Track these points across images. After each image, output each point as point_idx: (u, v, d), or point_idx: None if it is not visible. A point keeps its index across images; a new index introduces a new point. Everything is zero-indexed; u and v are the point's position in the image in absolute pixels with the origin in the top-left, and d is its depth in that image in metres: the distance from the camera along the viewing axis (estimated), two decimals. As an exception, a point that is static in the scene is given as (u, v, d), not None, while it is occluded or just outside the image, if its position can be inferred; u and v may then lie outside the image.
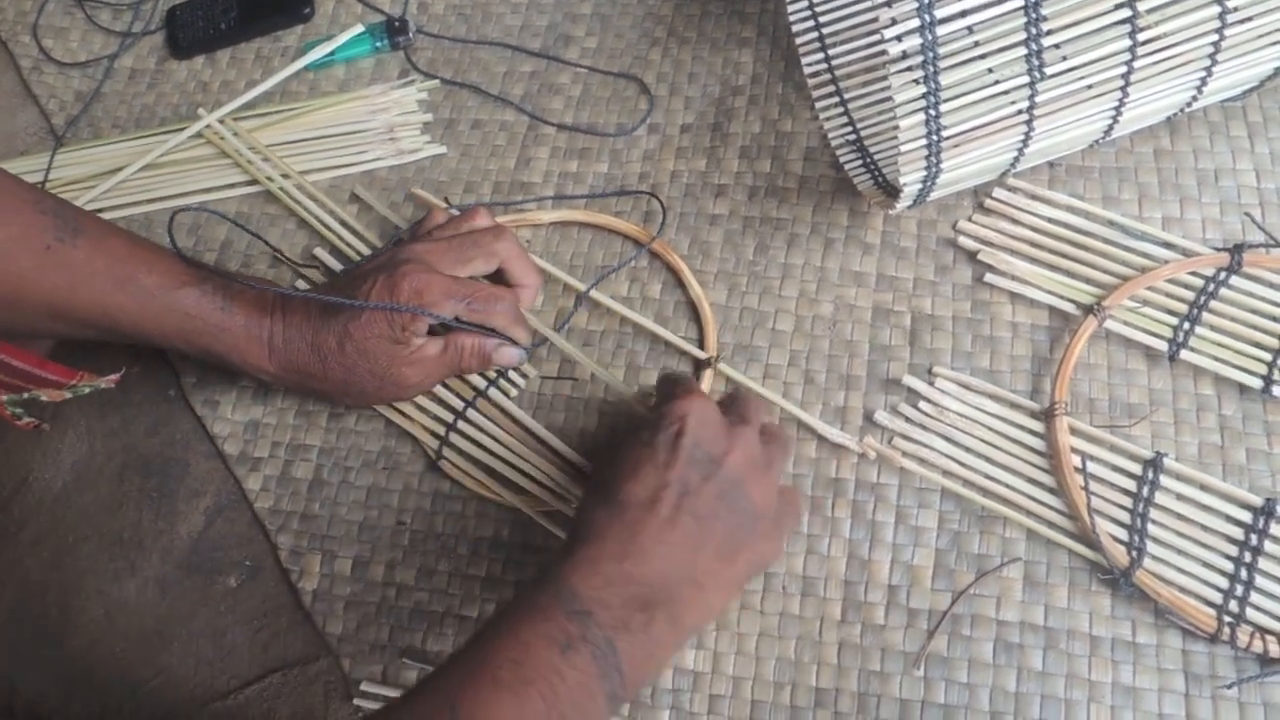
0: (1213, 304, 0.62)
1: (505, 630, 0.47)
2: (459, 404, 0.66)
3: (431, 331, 0.61)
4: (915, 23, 0.50)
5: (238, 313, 0.61)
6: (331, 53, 0.80)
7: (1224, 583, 0.56)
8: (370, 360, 0.60)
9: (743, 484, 0.53)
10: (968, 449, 0.61)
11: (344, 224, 0.73)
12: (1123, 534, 0.57)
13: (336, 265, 0.72)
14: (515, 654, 0.46)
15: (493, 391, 0.66)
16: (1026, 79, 0.54)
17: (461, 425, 0.65)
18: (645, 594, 0.49)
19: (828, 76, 0.67)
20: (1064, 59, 0.54)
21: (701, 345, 0.66)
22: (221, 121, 0.78)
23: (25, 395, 0.63)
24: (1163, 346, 0.61)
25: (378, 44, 0.81)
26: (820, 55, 0.67)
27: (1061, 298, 0.64)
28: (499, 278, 0.65)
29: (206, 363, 0.65)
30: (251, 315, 0.62)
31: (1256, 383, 0.60)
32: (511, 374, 0.66)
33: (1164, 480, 0.58)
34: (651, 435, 0.53)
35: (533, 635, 0.47)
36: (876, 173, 0.68)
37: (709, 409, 0.54)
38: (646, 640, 0.48)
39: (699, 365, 0.65)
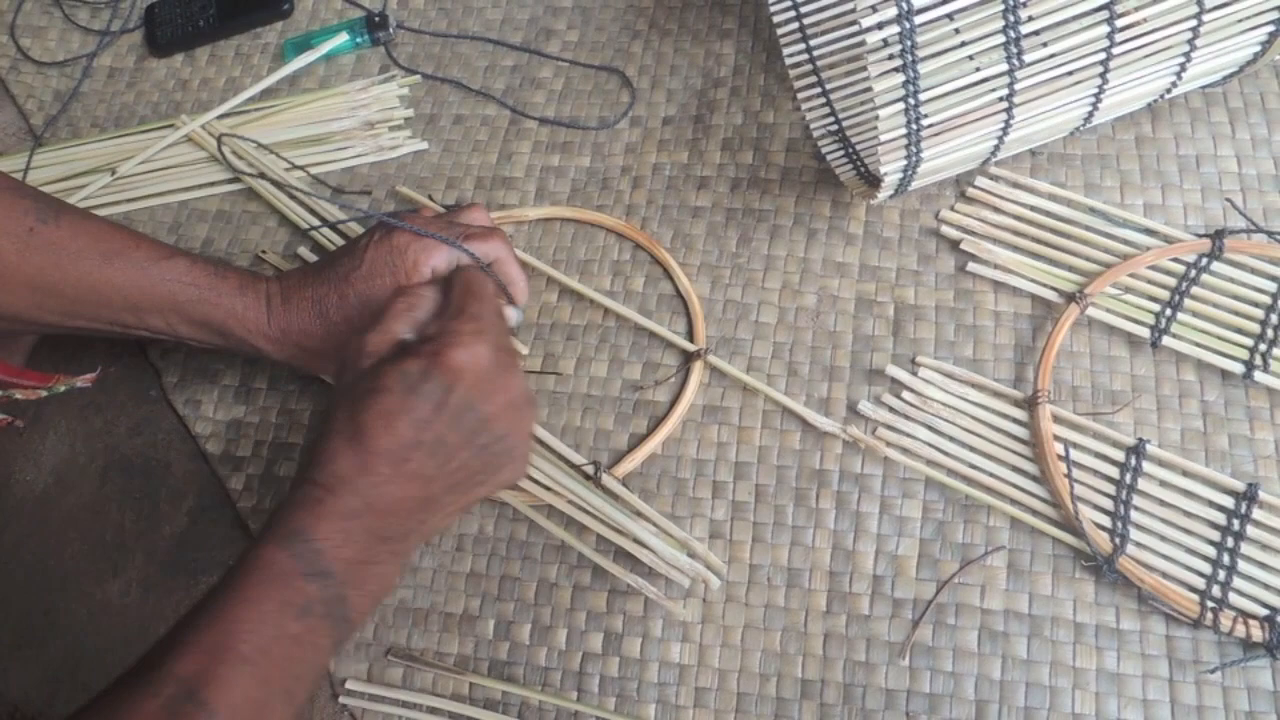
0: (1194, 290, 0.62)
1: (243, 600, 0.45)
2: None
3: None
4: (893, 11, 0.50)
5: (232, 276, 0.61)
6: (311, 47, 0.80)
7: (1207, 568, 0.56)
8: (372, 312, 0.60)
9: (505, 436, 0.52)
10: (951, 438, 0.61)
11: (325, 221, 0.73)
12: (1106, 521, 0.57)
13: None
14: (253, 625, 0.44)
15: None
16: (1005, 67, 0.54)
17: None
18: (382, 537, 0.49)
19: (809, 67, 0.67)
20: (1043, 46, 0.54)
21: (690, 337, 0.66)
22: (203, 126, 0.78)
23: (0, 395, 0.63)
24: (1145, 333, 0.61)
25: (358, 39, 0.81)
26: (801, 46, 0.67)
27: (1044, 286, 0.64)
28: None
29: (197, 347, 0.64)
30: (246, 277, 0.61)
31: (1238, 368, 0.60)
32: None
33: (1146, 467, 0.58)
34: (419, 379, 0.49)
35: (272, 604, 0.45)
36: (858, 163, 0.68)
37: (485, 358, 0.50)
38: (376, 580, 0.49)
39: (689, 357, 0.65)
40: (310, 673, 0.47)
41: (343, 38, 0.80)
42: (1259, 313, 0.61)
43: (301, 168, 0.76)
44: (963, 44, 0.53)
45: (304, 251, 0.72)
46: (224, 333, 0.61)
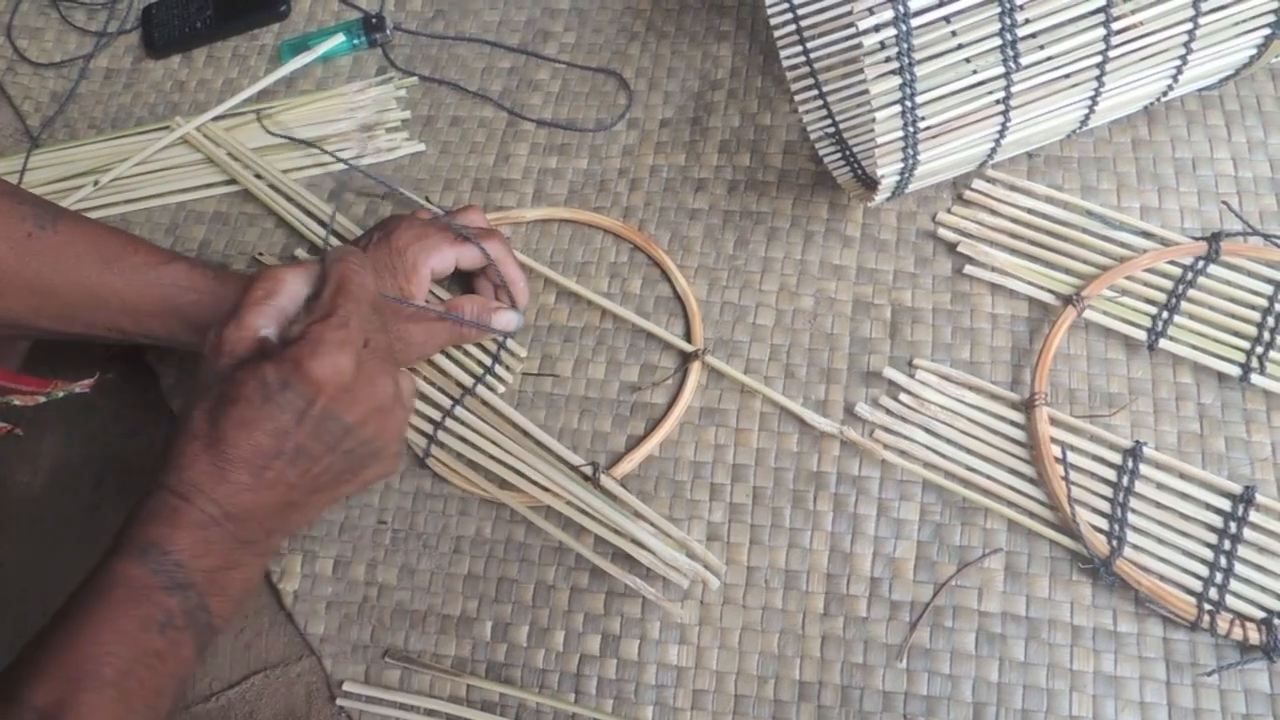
0: (1191, 293, 0.62)
1: (101, 621, 0.44)
2: (447, 402, 0.65)
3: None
4: (890, 14, 0.50)
5: (231, 280, 0.60)
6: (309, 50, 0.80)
7: (1204, 570, 0.56)
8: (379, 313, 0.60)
9: (372, 440, 0.51)
10: (948, 441, 0.61)
11: (322, 223, 0.73)
12: (1103, 523, 0.57)
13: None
14: (114, 647, 0.43)
15: (480, 389, 0.66)
16: (1002, 70, 0.54)
17: (449, 423, 0.65)
18: (243, 541, 0.48)
19: (806, 69, 0.67)
20: (1040, 49, 0.54)
21: (687, 339, 0.66)
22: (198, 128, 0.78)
23: None
24: (1142, 336, 0.61)
25: (355, 41, 0.81)
26: (799, 48, 0.67)
27: (1041, 288, 0.64)
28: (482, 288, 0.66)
29: (195, 351, 0.64)
30: (247, 280, 0.61)
31: (1235, 371, 0.60)
32: (499, 370, 0.66)
33: (1144, 469, 0.58)
34: (278, 389, 0.47)
35: (132, 622, 0.44)
36: (855, 165, 0.68)
37: (348, 368, 0.48)
38: (239, 583, 0.48)
39: (686, 358, 0.65)
40: (174, 685, 0.46)
41: (339, 39, 0.80)
42: (1255, 315, 0.61)
43: (345, 160, 0.75)
44: (960, 47, 0.53)
45: (301, 254, 0.72)
46: None
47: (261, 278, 0.51)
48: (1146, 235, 0.64)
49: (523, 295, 0.65)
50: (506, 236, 0.71)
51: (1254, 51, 0.60)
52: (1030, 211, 0.66)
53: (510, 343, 0.67)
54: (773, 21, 0.66)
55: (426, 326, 0.61)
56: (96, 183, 0.76)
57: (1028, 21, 0.52)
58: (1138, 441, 0.59)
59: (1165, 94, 0.62)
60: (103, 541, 0.65)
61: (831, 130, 0.68)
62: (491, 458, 0.63)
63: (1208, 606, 0.55)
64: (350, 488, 0.53)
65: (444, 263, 0.61)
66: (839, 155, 0.68)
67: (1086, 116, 0.60)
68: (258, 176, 0.75)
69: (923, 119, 0.54)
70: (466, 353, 0.67)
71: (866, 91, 0.53)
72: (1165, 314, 0.62)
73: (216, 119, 0.78)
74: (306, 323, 0.49)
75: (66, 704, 0.41)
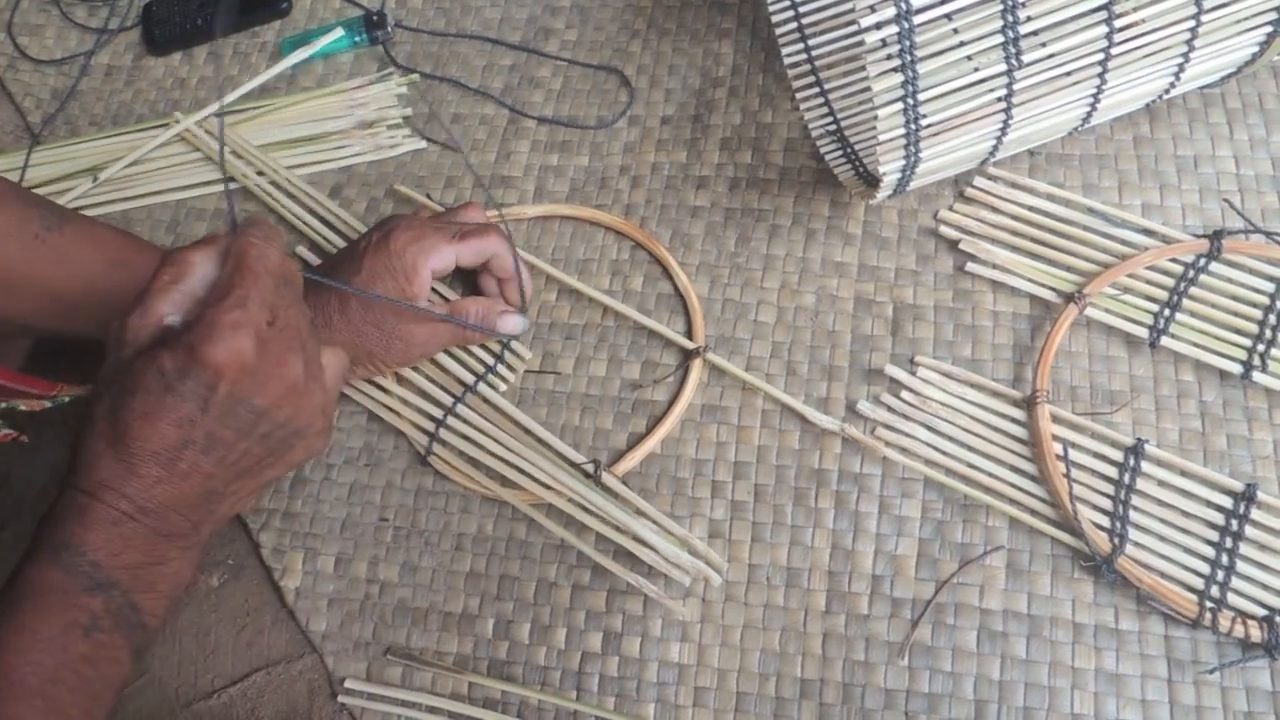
0: (1193, 290, 0.62)
1: (21, 626, 0.43)
2: (448, 400, 0.65)
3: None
4: (892, 11, 0.50)
5: None
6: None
7: (1205, 568, 0.56)
8: (376, 314, 0.60)
9: (288, 421, 0.48)
10: (950, 438, 0.61)
11: (324, 221, 0.73)
12: (1104, 521, 0.57)
13: (317, 263, 0.71)
14: (37, 655, 0.42)
15: (482, 387, 0.65)
16: (1004, 67, 0.54)
17: (451, 421, 0.65)
18: (165, 534, 0.46)
19: (808, 67, 0.67)
20: (1042, 46, 0.54)
21: (689, 336, 0.66)
22: (199, 123, 0.78)
23: (3, 406, 0.62)
24: (1143, 333, 0.61)
25: (356, 38, 0.81)
26: (800, 46, 0.67)
27: (1042, 286, 0.64)
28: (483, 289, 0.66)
29: None
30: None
31: (1236, 368, 0.60)
32: (501, 368, 0.66)
33: (1145, 467, 0.58)
34: (176, 378, 0.45)
35: (54, 628, 0.43)
36: (857, 163, 0.68)
37: (248, 349, 0.45)
38: (168, 579, 0.47)
39: (688, 355, 0.65)
40: (109, 687, 0.45)
41: (338, 33, 0.80)
42: (1257, 313, 0.61)
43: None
44: (961, 44, 0.53)
45: (303, 250, 0.72)
46: None
47: (168, 261, 0.48)
48: (1148, 233, 0.64)
49: (527, 288, 0.65)
50: (508, 232, 0.71)
51: (1256, 49, 0.60)
52: (1032, 209, 0.66)
53: (515, 343, 0.67)
54: (774, 19, 0.66)
55: (430, 327, 0.61)
56: (96, 179, 0.75)
57: (1029, 19, 0.52)
58: (1139, 439, 0.59)
59: (1167, 91, 0.62)
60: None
61: (833, 128, 0.68)
62: (493, 455, 0.63)
63: (1209, 604, 0.55)
64: (277, 470, 0.51)
65: (443, 262, 0.61)
66: (840, 153, 0.68)
67: (1088, 114, 0.60)
68: (259, 173, 0.75)
69: (924, 116, 0.54)
70: (469, 351, 0.67)
71: (868, 89, 0.53)
72: (1167, 311, 0.62)
73: (215, 115, 0.78)
74: (204, 306, 0.47)
75: None
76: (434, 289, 0.65)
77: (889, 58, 0.52)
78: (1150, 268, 0.63)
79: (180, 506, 0.47)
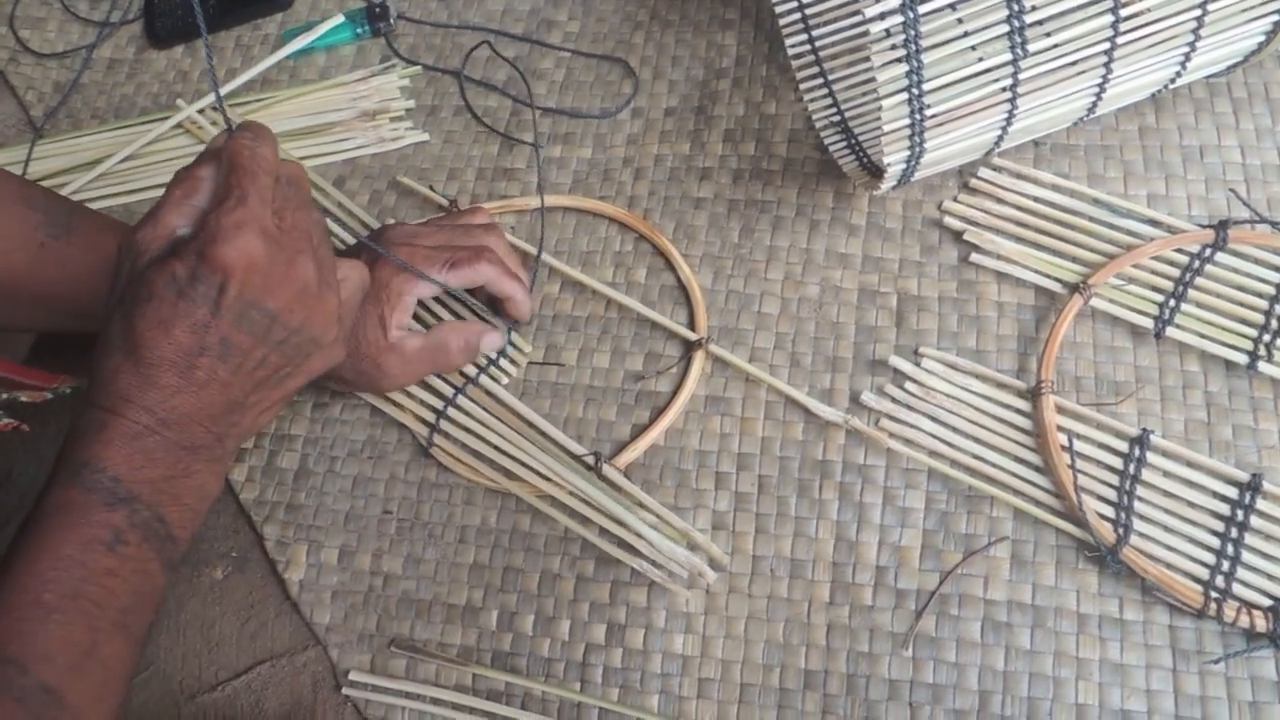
0: (1198, 281, 0.62)
1: (39, 548, 0.43)
2: (450, 391, 0.65)
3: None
4: (896, 1, 0.50)
5: None
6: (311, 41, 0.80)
7: (1210, 558, 0.56)
8: (351, 345, 0.60)
9: (302, 328, 0.49)
10: (954, 429, 0.61)
11: (327, 213, 0.73)
12: (1109, 511, 0.57)
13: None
14: (54, 573, 0.42)
15: (484, 379, 0.65)
16: (1009, 57, 0.53)
17: (452, 412, 0.65)
18: (188, 447, 0.46)
19: (811, 58, 0.67)
20: (1047, 35, 0.54)
21: (691, 328, 0.65)
22: (201, 112, 0.77)
23: (4, 397, 0.62)
24: (1148, 324, 0.61)
25: (359, 30, 0.81)
26: (804, 36, 0.66)
27: (1047, 276, 0.64)
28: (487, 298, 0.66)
29: None
30: None
31: (1242, 359, 0.60)
32: (503, 361, 0.66)
33: (1150, 457, 0.58)
34: (188, 282, 0.45)
35: (72, 545, 0.43)
36: (861, 154, 0.67)
37: (257, 248, 0.45)
38: (193, 491, 0.47)
39: (690, 346, 0.65)
40: (143, 601, 0.45)
41: (338, 19, 0.80)
42: (1263, 303, 0.61)
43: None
44: (966, 34, 0.52)
45: (305, 243, 0.72)
46: None
47: (179, 178, 0.49)
48: (1153, 223, 0.64)
49: (524, 309, 0.65)
50: (510, 226, 0.71)
51: (1263, 38, 0.60)
52: (1037, 199, 0.66)
53: (515, 336, 0.66)
54: (778, 9, 0.66)
55: (400, 357, 0.61)
56: (94, 170, 0.75)
57: (1034, 8, 0.52)
58: (1144, 430, 0.59)
59: (1173, 81, 0.62)
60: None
61: (837, 118, 0.68)
62: (495, 448, 0.63)
63: (1214, 594, 0.55)
64: (296, 381, 0.51)
65: (431, 291, 0.60)
66: (844, 144, 0.68)
67: (1094, 104, 0.60)
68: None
69: (929, 107, 0.54)
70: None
71: (872, 79, 0.53)
72: (1172, 302, 0.61)
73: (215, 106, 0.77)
74: (209, 212, 0.47)
75: (8, 634, 0.41)
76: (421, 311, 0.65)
77: (893, 48, 0.52)
78: (1155, 258, 0.63)
79: (201, 417, 0.47)
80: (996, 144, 0.61)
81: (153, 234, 0.48)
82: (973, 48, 0.53)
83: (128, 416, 0.45)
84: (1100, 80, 0.57)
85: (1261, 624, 0.54)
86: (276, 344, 0.48)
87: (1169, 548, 0.56)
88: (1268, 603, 0.54)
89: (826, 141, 0.68)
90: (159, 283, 0.45)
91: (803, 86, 0.68)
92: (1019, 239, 0.65)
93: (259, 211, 0.47)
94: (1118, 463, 0.58)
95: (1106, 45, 0.55)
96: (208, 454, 0.48)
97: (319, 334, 0.50)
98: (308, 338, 0.50)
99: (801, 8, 0.66)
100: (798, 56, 0.67)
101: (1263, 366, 0.59)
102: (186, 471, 0.47)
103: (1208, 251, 0.62)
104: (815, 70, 0.67)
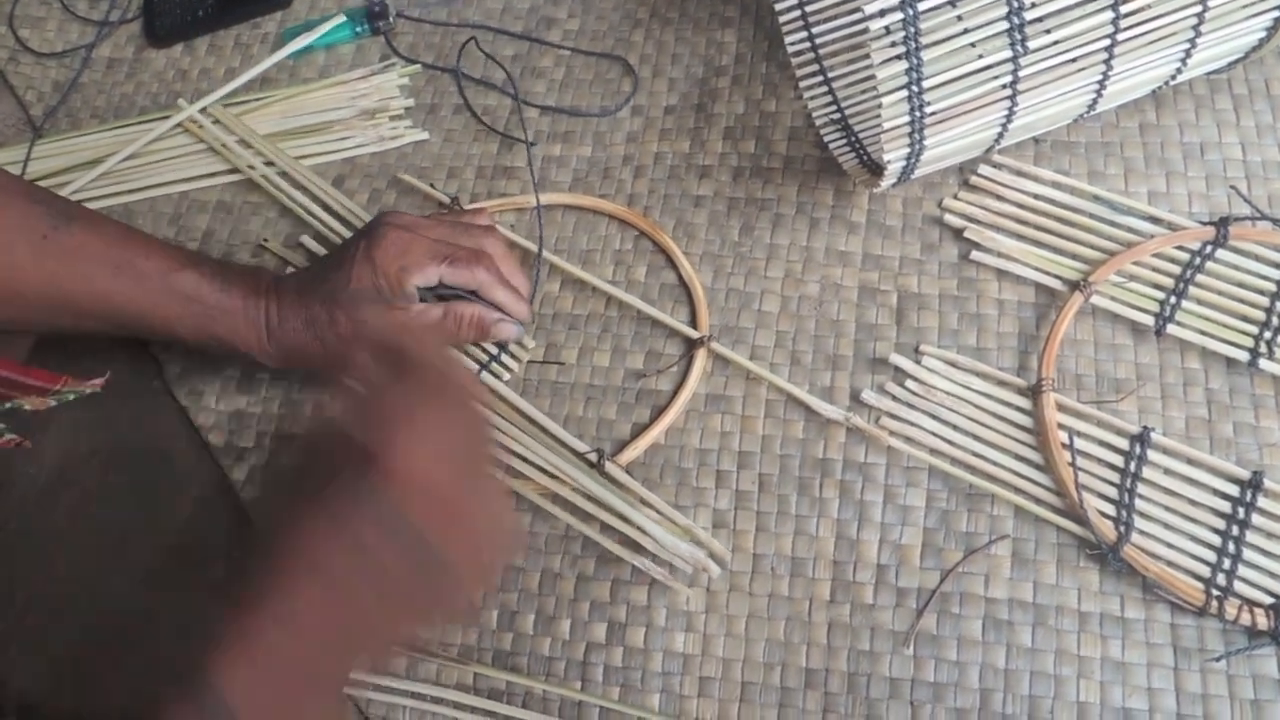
0: (1199, 278, 0.62)
1: None
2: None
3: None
4: (896, -2, 0.50)
5: (236, 294, 0.61)
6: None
7: (1211, 556, 0.56)
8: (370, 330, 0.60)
9: (448, 559, 0.44)
10: (955, 427, 0.61)
11: (328, 210, 0.73)
12: (1110, 509, 0.57)
13: (323, 252, 0.71)
14: None
15: (485, 376, 0.65)
16: (1009, 54, 0.53)
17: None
18: (294, 672, 0.42)
19: (811, 55, 0.67)
20: (1047, 32, 0.53)
21: (693, 326, 0.65)
22: (202, 111, 0.77)
23: (7, 406, 0.62)
24: (1149, 321, 0.61)
25: (358, 29, 0.80)
26: (804, 33, 0.66)
27: (1048, 274, 0.64)
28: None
29: (197, 350, 0.64)
30: (249, 297, 0.61)
31: (1243, 356, 0.60)
32: (505, 358, 0.66)
33: (1151, 455, 0.58)
34: (347, 480, 0.42)
35: None
36: (861, 151, 0.67)
37: (428, 461, 0.43)
38: None
39: (691, 344, 0.65)
40: None
41: (340, 19, 0.79)
42: (1264, 300, 0.61)
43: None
44: (966, 31, 0.52)
45: (307, 240, 0.72)
46: (226, 345, 0.62)
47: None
48: (1154, 220, 0.64)
49: (523, 312, 0.64)
50: (511, 224, 0.71)
51: (1263, 34, 0.60)
52: (1037, 197, 0.66)
53: (517, 327, 0.66)
54: (777, 7, 0.66)
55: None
56: (94, 169, 0.75)
57: (1034, 5, 0.52)
58: (1145, 427, 0.59)
59: (1173, 78, 0.62)
60: (110, 534, 0.66)
61: (837, 116, 0.68)
62: (498, 445, 0.63)
63: (1215, 592, 0.55)
64: (409, 616, 0.46)
65: (427, 280, 0.60)
66: (844, 141, 0.68)
67: (1094, 101, 0.60)
68: (268, 164, 0.75)
69: (929, 104, 0.54)
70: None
71: (872, 77, 0.53)
72: (1173, 299, 0.61)
73: (219, 104, 0.77)
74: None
75: None
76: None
77: (893, 45, 0.52)
78: (1156, 255, 0.63)
79: (316, 638, 0.42)
80: (997, 141, 0.61)
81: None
82: (973, 44, 0.53)
83: (243, 611, 0.41)
84: (1100, 77, 0.57)
85: (1263, 621, 0.54)
86: (417, 567, 0.44)
87: (1170, 545, 0.56)
88: (1269, 600, 0.54)
89: (826, 139, 0.68)
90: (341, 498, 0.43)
91: (803, 84, 0.67)
92: (1019, 236, 0.65)
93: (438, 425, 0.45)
94: (1119, 460, 0.58)
95: (1107, 42, 0.55)
96: (317, 687, 0.44)
97: (459, 563, 0.45)
98: (444, 569, 0.44)
99: (801, 5, 0.66)
100: (798, 54, 0.67)
101: (1264, 364, 0.59)
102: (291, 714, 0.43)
103: (1208, 248, 0.62)
104: (815, 67, 0.67)
